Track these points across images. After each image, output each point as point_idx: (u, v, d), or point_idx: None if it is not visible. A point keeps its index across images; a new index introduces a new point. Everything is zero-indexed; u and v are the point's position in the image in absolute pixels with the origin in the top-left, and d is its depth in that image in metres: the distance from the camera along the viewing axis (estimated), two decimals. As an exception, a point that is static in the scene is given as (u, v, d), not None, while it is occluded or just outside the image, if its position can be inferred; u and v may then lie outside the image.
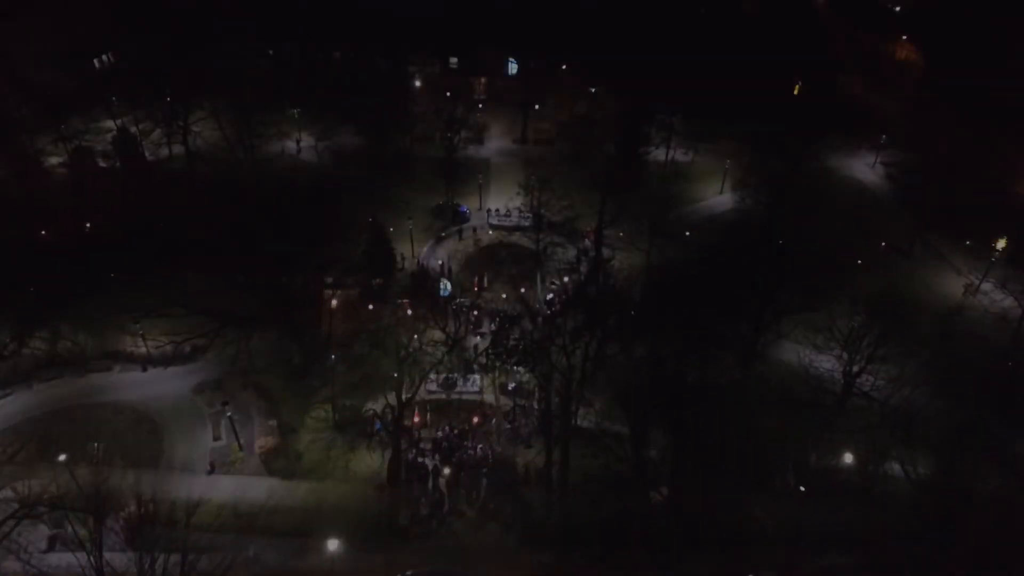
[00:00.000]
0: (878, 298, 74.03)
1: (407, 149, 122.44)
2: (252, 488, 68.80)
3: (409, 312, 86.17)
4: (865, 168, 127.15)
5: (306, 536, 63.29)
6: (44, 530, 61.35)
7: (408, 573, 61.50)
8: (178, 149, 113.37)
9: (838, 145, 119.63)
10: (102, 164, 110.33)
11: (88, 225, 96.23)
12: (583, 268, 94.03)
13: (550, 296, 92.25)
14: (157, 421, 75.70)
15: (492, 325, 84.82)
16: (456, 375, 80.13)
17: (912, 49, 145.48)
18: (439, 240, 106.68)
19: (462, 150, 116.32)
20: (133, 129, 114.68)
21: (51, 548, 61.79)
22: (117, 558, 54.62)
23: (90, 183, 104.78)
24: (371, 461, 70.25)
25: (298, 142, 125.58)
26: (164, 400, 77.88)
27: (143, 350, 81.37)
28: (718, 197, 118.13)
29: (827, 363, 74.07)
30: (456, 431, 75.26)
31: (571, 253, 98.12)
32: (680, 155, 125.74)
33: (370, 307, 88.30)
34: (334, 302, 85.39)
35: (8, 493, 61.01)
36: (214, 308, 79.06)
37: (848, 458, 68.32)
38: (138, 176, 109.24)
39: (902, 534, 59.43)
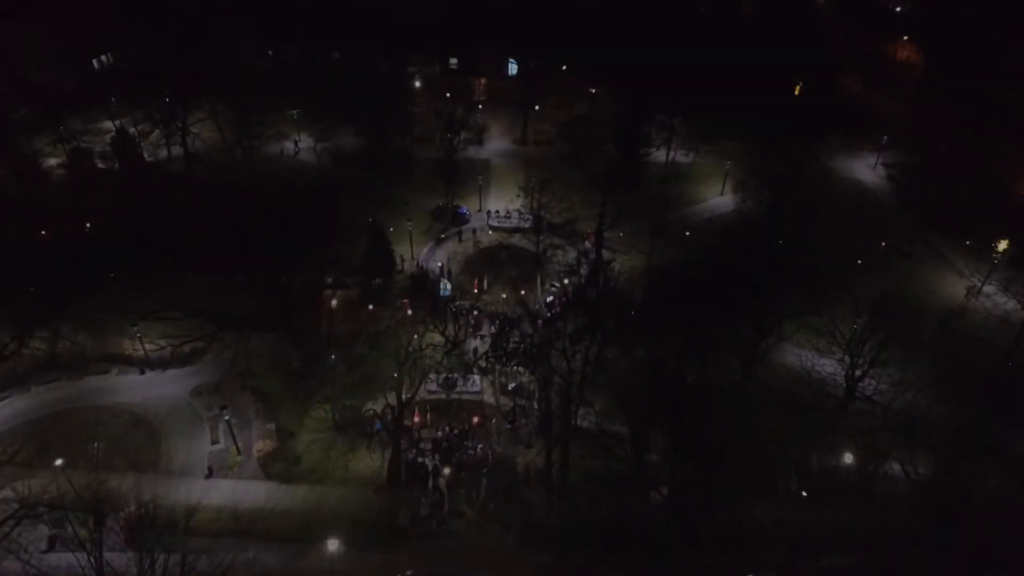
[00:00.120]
0: (880, 301, 73.78)
1: (407, 150, 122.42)
2: (250, 492, 68.66)
3: (409, 312, 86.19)
4: (866, 169, 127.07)
5: (305, 541, 63.07)
6: (44, 530, 61.11)
7: (408, 573, 61.44)
8: (177, 150, 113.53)
9: (839, 146, 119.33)
10: (101, 165, 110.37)
11: (88, 225, 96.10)
12: (583, 270, 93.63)
13: (550, 298, 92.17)
14: (155, 424, 75.42)
15: (492, 328, 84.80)
16: (456, 375, 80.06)
17: (913, 49, 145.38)
18: (439, 242, 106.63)
19: (462, 151, 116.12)
20: (132, 130, 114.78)
21: (51, 548, 61.59)
22: (117, 558, 54.79)
23: (88, 184, 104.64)
24: (371, 461, 70.21)
25: (296, 143, 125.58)
26: (162, 403, 77.63)
27: (141, 353, 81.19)
28: (719, 198, 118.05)
29: (829, 367, 73.71)
30: (456, 431, 75.25)
31: (571, 255, 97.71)
32: (681, 156, 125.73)
33: (370, 307, 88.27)
34: (334, 302, 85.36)
35: (8, 493, 61.14)
36: (212, 310, 78.87)
37: (848, 458, 68.24)
38: (137, 177, 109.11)
39: (902, 534, 59.27)
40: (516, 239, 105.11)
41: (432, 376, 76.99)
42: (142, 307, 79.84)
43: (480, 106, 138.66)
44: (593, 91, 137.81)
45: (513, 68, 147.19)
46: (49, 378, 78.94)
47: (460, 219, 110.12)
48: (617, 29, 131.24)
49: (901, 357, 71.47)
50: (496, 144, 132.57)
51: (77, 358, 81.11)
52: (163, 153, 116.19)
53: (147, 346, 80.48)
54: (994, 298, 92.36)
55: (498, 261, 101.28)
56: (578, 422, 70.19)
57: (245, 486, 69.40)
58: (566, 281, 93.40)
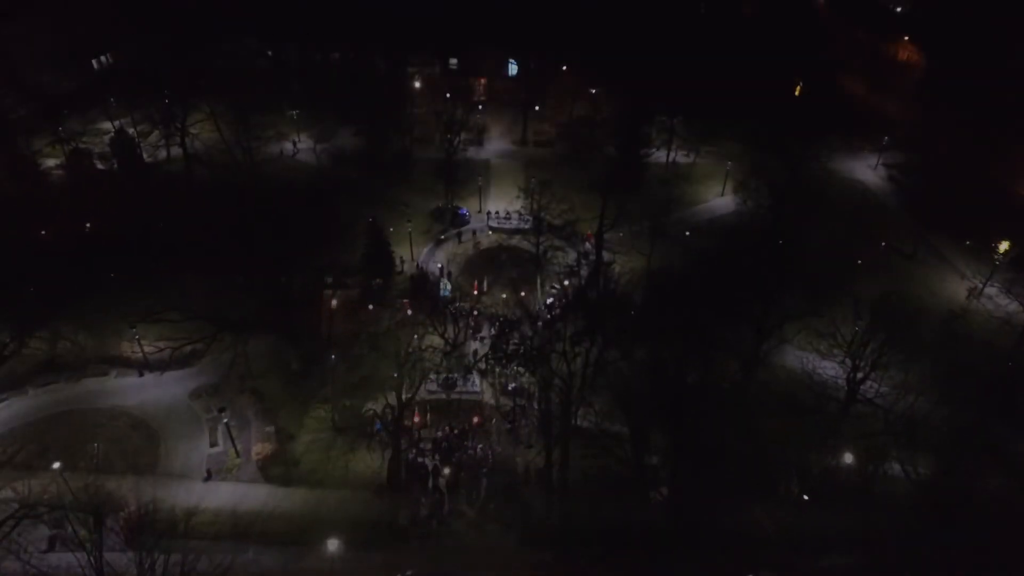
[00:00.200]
0: (881, 303, 73.61)
1: (406, 151, 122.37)
2: (249, 495, 68.47)
3: (409, 312, 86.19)
4: (867, 170, 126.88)
5: (304, 543, 62.89)
6: (44, 530, 61.05)
7: (408, 573, 61.40)
8: (176, 151, 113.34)
9: (839, 146, 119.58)
10: (100, 166, 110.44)
11: (87, 226, 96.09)
12: (583, 272, 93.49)
13: (550, 300, 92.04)
14: (153, 427, 75.12)
15: (492, 330, 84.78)
16: (456, 375, 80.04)
17: (913, 49, 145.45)
18: (438, 243, 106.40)
19: (462, 152, 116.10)
20: (131, 131, 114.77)
21: (51, 548, 61.51)
22: (117, 558, 54.75)
23: (87, 185, 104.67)
24: (371, 461, 70.11)
25: (295, 143, 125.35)
26: (161, 405, 77.32)
27: (140, 355, 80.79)
28: (719, 199, 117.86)
29: (831, 369, 73.64)
30: (456, 431, 75.20)
31: (571, 256, 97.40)
32: (681, 157, 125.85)
33: (370, 307, 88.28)
34: (334, 302, 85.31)
35: (8, 493, 61.11)
36: (211, 312, 78.70)
37: (848, 458, 68.17)
38: (136, 178, 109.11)
39: (902, 534, 59.30)
40: (516, 240, 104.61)
41: (432, 376, 76.91)
42: (141, 308, 79.78)
43: (480, 107, 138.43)
44: (593, 91, 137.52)
45: (513, 68, 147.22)
46: (47, 380, 78.72)
47: (460, 220, 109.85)
48: (617, 29, 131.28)
49: (902, 359, 71.33)
50: (496, 145, 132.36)
51: (75, 360, 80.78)
52: (162, 154, 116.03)
53: (146, 348, 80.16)
54: (996, 300, 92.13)
55: (498, 262, 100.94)
56: (578, 422, 70.19)
57: (244, 489, 69.17)
58: (566, 283, 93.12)
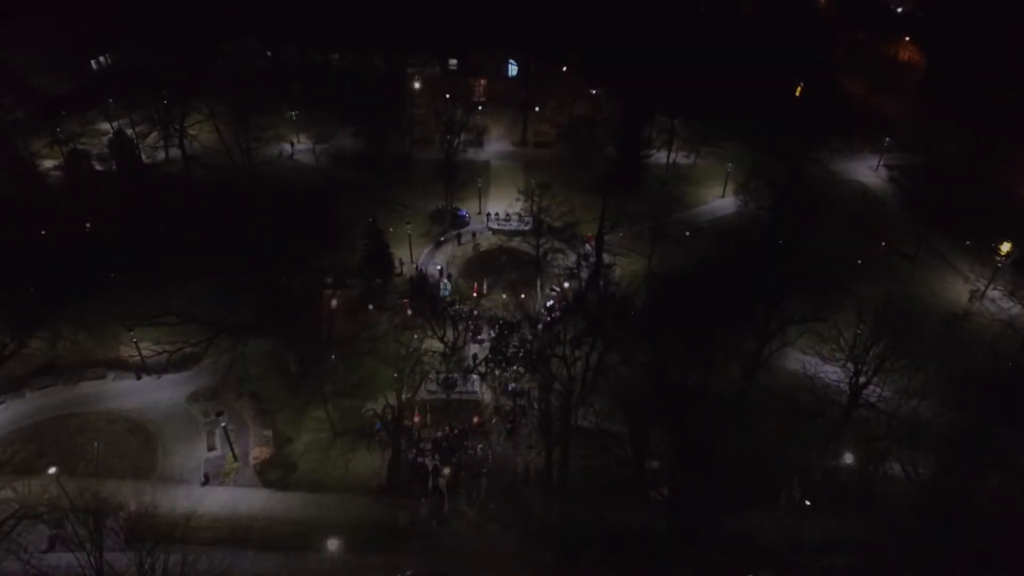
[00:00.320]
0: (883, 306, 73.09)
1: (406, 151, 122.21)
2: (247, 499, 68.16)
3: (409, 312, 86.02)
4: (868, 171, 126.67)
5: (302, 548, 62.68)
6: (44, 530, 60.83)
7: (408, 573, 61.34)
8: (175, 152, 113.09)
9: (840, 147, 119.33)
10: (98, 167, 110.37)
11: (87, 227, 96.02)
12: (584, 274, 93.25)
13: (550, 302, 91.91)
14: (151, 430, 74.76)
15: (491, 332, 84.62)
16: (456, 375, 79.95)
17: (914, 50, 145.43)
18: (438, 244, 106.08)
19: (461, 153, 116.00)
20: (130, 132, 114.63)
21: (51, 548, 61.36)
22: (117, 558, 54.69)
23: (86, 186, 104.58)
24: (371, 462, 69.99)
25: (292, 144, 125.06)
26: (158, 409, 76.93)
27: (137, 358, 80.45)
28: (720, 200, 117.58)
29: (833, 373, 73.19)
30: (456, 431, 75.08)
31: (571, 258, 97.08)
32: (681, 158, 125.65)
33: (370, 307, 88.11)
34: (334, 303, 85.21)
35: (8, 493, 61.05)
36: (210, 314, 78.26)
37: (848, 458, 68.06)
38: (134, 179, 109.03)
39: (902, 534, 59.23)
40: (516, 242, 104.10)
41: (432, 376, 76.83)
42: (139, 310, 79.25)
43: (480, 107, 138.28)
44: (593, 92, 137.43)
45: (513, 69, 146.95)
46: (44, 383, 78.44)
47: (460, 222, 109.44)
48: (617, 29, 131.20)
49: (905, 363, 71.02)
50: (496, 146, 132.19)
51: (73, 363, 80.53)
52: (161, 155, 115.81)
53: (143, 351, 79.71)
54: (999, 302, 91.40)
55: (498, 264, 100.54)
56: (578, 422, 70.07)
57: (242, 493, 68.85)
58: (566, 285, 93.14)
